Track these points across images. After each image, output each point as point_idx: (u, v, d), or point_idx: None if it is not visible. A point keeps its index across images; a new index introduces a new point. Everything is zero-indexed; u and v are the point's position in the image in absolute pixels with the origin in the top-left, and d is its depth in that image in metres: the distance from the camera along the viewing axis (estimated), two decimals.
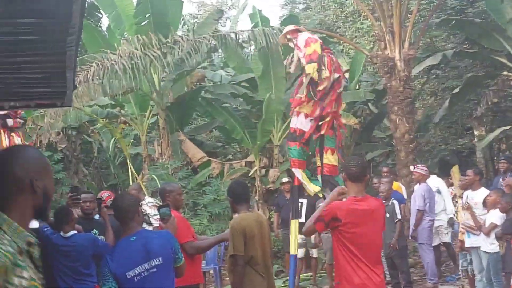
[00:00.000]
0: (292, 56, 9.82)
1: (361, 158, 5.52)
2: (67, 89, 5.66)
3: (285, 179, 13.34)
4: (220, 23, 26.77)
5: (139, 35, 14.02)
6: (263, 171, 16.13)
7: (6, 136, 9.22)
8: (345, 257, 5.10)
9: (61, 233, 6.37)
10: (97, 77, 13.34)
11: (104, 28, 20.17)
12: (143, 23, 15.17)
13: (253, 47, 15.30)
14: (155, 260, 4.48)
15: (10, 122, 9.44)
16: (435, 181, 11.61)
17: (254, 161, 16.32)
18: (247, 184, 6.41)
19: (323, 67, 8.84)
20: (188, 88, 16.99)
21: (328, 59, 8.94)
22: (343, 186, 5.46)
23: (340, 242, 5.14)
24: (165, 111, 16.38)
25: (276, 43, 14.66)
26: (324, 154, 9.13)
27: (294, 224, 9.13)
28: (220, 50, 17.75)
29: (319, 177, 9.25)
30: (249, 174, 16.32)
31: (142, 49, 13.46)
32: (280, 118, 16.00)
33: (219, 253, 12.05)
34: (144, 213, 9.32)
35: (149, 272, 4.43)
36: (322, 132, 9.07)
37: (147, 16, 15.28)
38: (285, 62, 10.90)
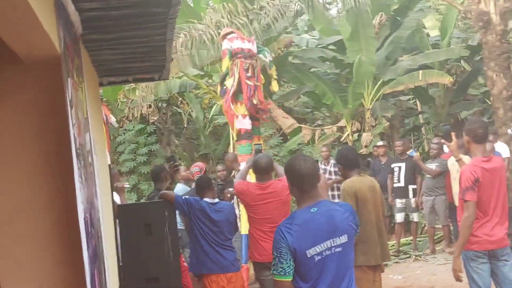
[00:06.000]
0: None
1: (482, 120, 5.68)
2: (166, 62, 5.55)
3: (380, 143, 13.01)
4: None
5: (224, 3, 13.85)
6: (355, 135, 15.79)
7: None
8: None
9: (207, 199, 6.61)
10: (185, 48, 13.32)
11: None
12: None
13: (340, 6, 14.84)
14: (341, 237, 3.66)
15: None
16: None
17: (345, 126, 15.98)
18: (356, 149, 6.24)
19: (233, 77, 10.39)
20: (275, 54, 16.73)
21: (241, 64, 10.30)
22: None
23: None
24: None
25: (364, 2, 14.21)
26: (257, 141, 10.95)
27: None
28: (304, 14, 17.36)
29: None
30: (341, 139, 16.02)
31: (229, 17, 13.28)
32: (371, 81, 15.55)
33: None
34: None
35: (331, 251, 3.63)
36: None
37: None
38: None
